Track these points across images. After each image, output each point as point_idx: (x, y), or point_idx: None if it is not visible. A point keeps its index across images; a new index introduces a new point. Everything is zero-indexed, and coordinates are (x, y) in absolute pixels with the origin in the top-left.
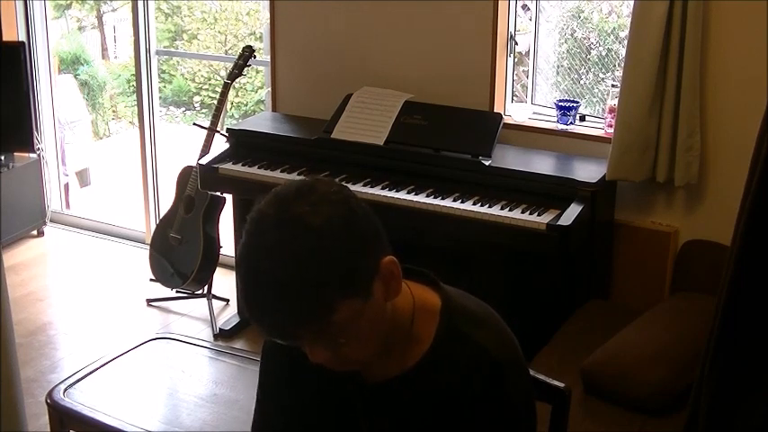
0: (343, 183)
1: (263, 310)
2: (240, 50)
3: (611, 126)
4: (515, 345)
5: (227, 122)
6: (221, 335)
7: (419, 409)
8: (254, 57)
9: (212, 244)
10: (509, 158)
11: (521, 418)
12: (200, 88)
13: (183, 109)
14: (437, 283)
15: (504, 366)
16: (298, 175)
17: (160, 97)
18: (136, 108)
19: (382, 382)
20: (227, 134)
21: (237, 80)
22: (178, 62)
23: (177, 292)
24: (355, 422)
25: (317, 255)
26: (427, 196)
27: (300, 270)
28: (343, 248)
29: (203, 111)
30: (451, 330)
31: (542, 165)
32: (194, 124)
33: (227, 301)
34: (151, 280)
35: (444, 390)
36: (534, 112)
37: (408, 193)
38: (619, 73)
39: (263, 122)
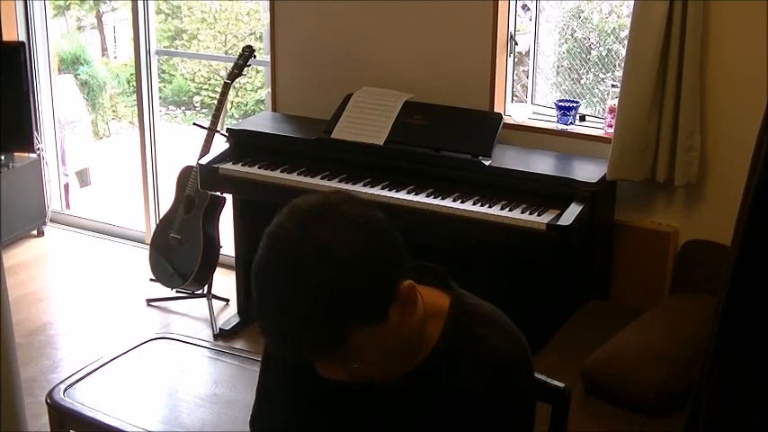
0: (343, 183)
1: (275, 330)
2: (240, 50)
3: (611, 126)
4: (523, 343)
5: (227, 122)
6: (221, 335)
7: (426, 407)
8: (254, 57)
9: (212, 244)
10: (509, 158)
11: (523, 413)
12: (201, 88)
13: (183, 109)
14: (448, 283)
15: (512, 364)
16: (297, 175)
17: (160, 97)
18: (136, 108)
19: (389, 382)
20: (227, 134)
21: (237, 80)
22: (178, 62)
23: (177, 292)
24: (361, 420)
25: (336, 285)
26: (427, 196)
27: (317, 299)
28: (364, 280)
29: (203, 111)
30: (458, 328)
31: (542, 165)
32: (194, 124)
33: (227, 301)
34: (151, 280)
35: (450, 387)
36: (534, 112)
37: (408, 193)
38: (619, 73)
39: (263, 122)
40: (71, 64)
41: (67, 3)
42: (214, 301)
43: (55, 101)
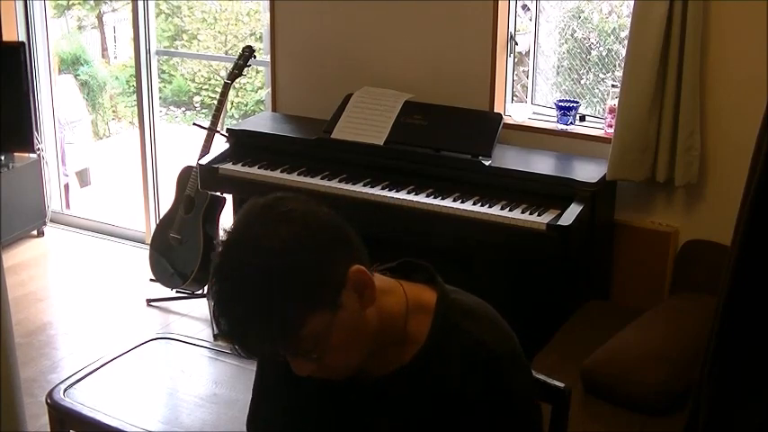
0: (343, 183)
1: (233, 331)
2: (240, 50)
3: (611, 126)
4: (512, 337)
5: (227, 122)
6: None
7: (417, 404)
8: (254, 57)
9: (212, 244)
10: (509, 158)
11: (521, 410)
12: (201, 88)
13: (183, 109)
14: (434, 279)
15: (501, 358)
16: (297, 175)
17: (160, 97)
18: (136, 108)
19: (379, 379)
20: (227, 134)
21: (237, 80)
22: (178, 62)
23: (177, 292)
24: (355, 419)
25: (273, 275)
26: (427, 196)
27: (259, 291)
28: (299, 266)
29: (203, 111)
30: (446, 325)
31: (542, 165)
32: (194, 124)
33: None
34: (151, 280)
35: (441, 384)
36: (534, 113)
37: (408, 193)
38: (619, 73)
39: (263, 122)
40: (71, 64)
41: (68, 3)
42: None
43: (55, 101)
